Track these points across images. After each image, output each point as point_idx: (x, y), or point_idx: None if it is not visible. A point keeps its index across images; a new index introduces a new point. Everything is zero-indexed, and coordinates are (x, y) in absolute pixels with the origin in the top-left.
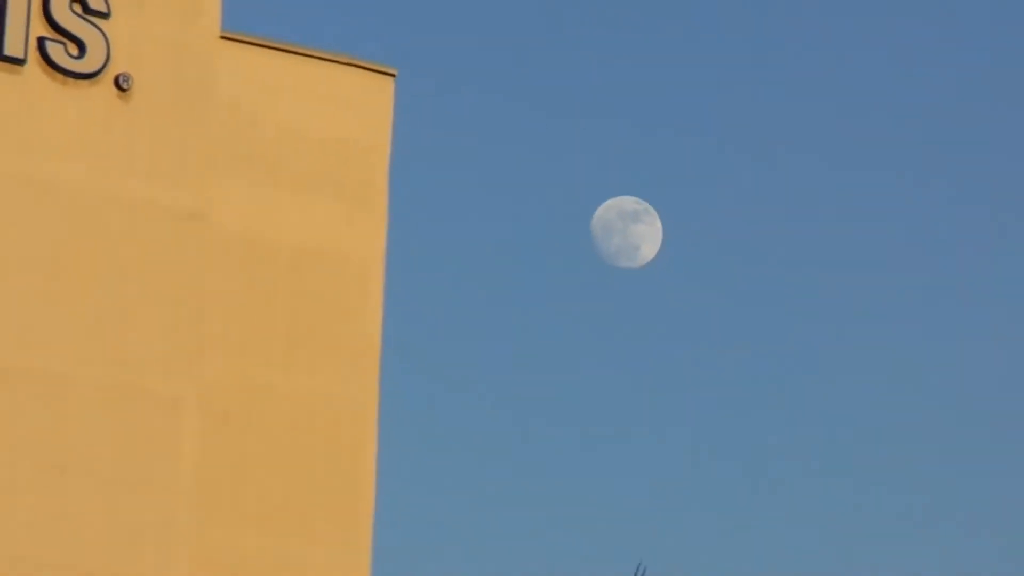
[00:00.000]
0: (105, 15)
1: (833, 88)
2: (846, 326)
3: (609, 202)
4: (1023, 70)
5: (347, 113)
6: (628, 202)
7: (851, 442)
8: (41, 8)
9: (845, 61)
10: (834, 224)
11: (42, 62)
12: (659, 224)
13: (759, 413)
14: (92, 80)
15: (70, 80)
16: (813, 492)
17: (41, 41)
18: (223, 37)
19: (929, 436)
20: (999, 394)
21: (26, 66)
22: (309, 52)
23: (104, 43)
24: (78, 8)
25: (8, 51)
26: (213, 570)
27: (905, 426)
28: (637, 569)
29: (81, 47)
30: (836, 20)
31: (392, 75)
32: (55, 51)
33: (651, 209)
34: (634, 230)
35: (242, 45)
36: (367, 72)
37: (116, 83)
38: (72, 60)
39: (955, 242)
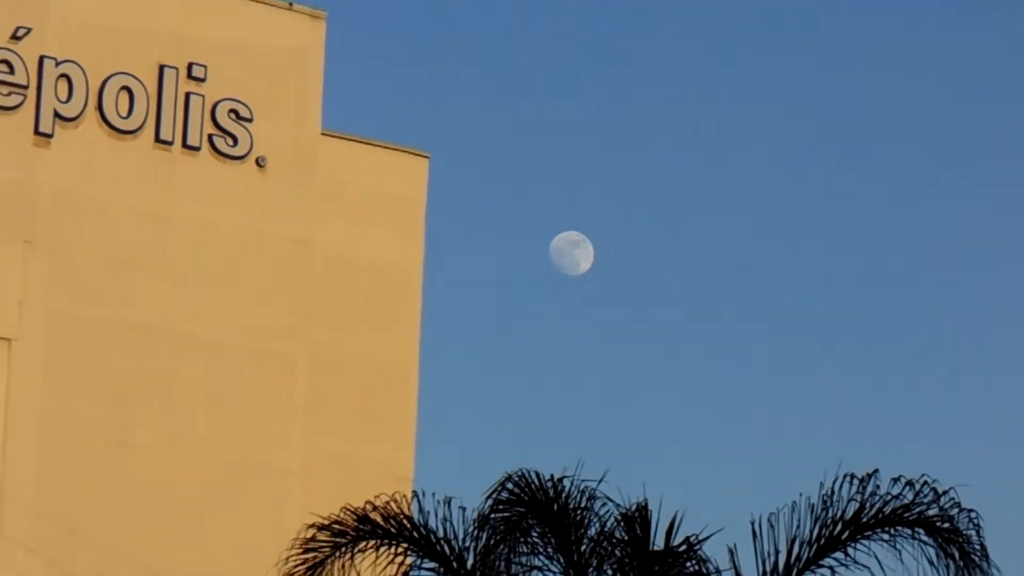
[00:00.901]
0: (249, 120)
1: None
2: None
3: (560, 235)
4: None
5: (399, 180)
6: (573, 235)
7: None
8: (211, 115)
9: (746, 100)
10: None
11: (211, 149)
12: (592, 248)
13: (668, 373)
14: (241, 160)
15: (227, 160)
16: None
17: (211, 136)
18: (323, 133)
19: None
20: None
21: (200, 151)
22: (373, 142)
23: (249, 137)
24: (233, 116)
25: (190, 142)
26: (315, 460)
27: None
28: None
29: (235, 140)
30: (754, 61)
31: (427, 156)
32: (219, 142)
33: (587, 239)
34: (576, 252)
35: (334, 139)
36: (411, 155)
37: (256, 162)
38: (229, 148)
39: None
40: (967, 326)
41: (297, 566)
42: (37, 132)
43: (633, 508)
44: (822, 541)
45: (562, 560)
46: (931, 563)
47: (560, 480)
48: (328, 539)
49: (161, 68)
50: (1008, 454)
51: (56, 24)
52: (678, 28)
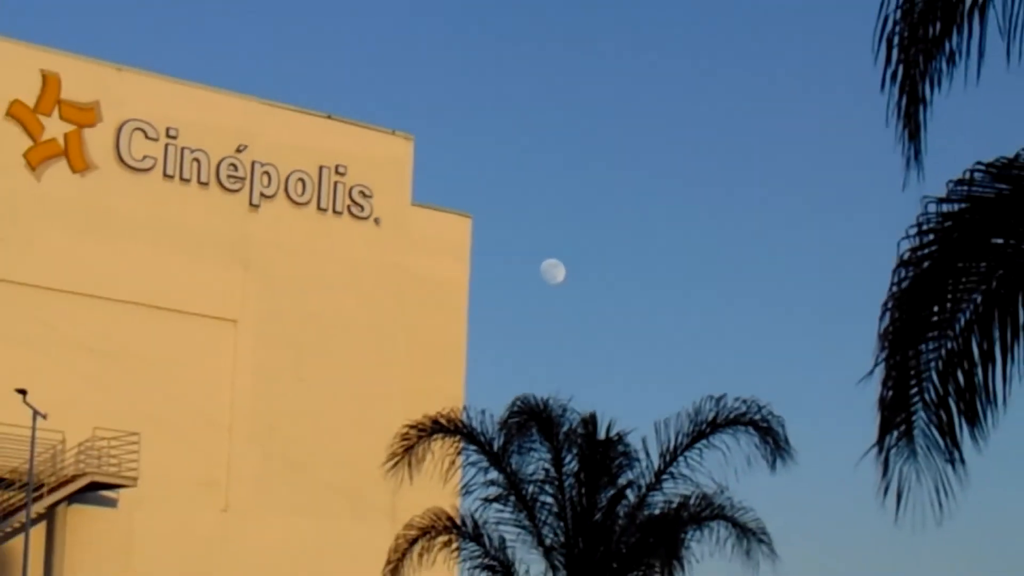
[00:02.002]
0: (371, 197)
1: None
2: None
3: (545, 261)
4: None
5: (456, 230)
6: (552, 262)
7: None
8: (348, 194)
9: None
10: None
11: (349, 213)
12: (564, 268)
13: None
14: (366, 220)
15: (359, 219)
16: None
17: (349, 206)
18: (412, 204)
19: None
20: None
21: (343, 215)
22: (441, 208)
23: (371, 207)
24: (361, 194)
25: (337, 209)
26: (408, 388)
27: None
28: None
29: (363, 208)
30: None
31: (470, 216)
32: (354, 209)
33: (560, 263)
34: (555, 271)
35: (419, 207)
36: (462, 216)
37: (375, 221)
38: (359, 212)
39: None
40: (794, 284)
41: (397, 448)
42: (251, 204)
43: (588, 416)
44: (694, 434)
45: (547, 445)
46: (756, 447)
47: (546, 400)
48: (415, 433)
49: (320, 168)
50: (805, 380)
51: (262, 144)
52: (628, 83)
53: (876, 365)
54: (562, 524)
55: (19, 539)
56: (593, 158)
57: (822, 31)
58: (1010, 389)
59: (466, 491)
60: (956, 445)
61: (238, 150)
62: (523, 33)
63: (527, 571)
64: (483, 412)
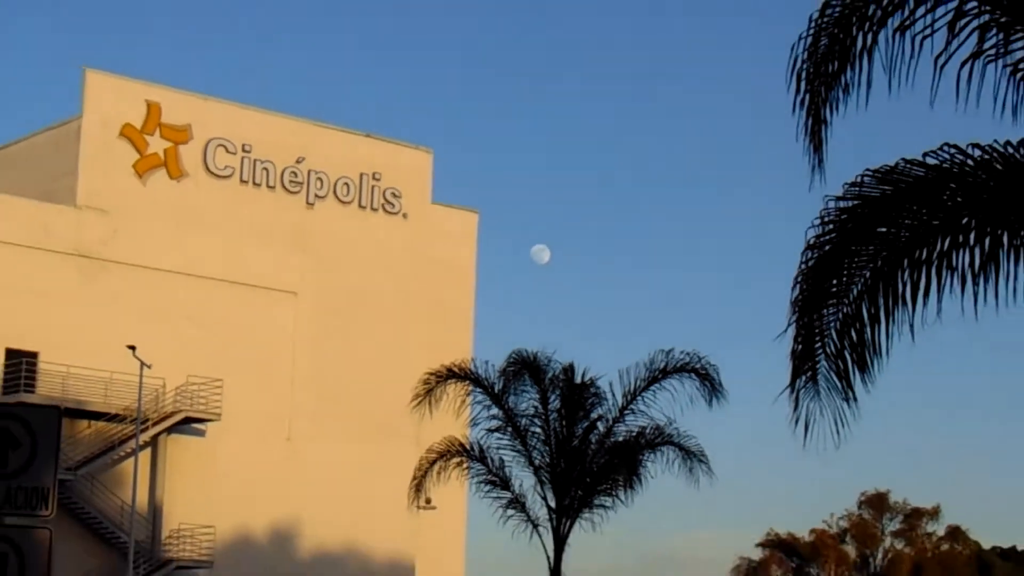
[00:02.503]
0: (400, 197)
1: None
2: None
3: (535, 246)
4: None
5: (466, 223)
6: (540, 247)
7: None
8: (383, 195)
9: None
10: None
11: (383, 210)
12: (549, 251)
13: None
14: (396, 215)
15: (391, 215)
16: None
17: (383, 204)
18: (432, 203)
19: None
20: None
21: (378, 211)
22: (455, 206)
23: (400, 205)
24: (392, 195)
25: (374, 206)
26: (428, 345)
27: None
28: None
29: (394, 205)
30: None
31: (477, 212)
32: (387, 207)
33: (547, 247)
34: (542, 254)
35: (438, 205)
36: (470, 211)
37: (403, 215)
38: (391, 209)
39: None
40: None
41: (420, 390)
42: (307, 203)
43: (568, 365)
44: (649, 379)
45: (536, 388)
46: (697, 389)
47: (536, 353)
48: (434, 378)
49: (361, 174)
50: (735, 337)
51: (316, 156)
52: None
53: (789, 325)
54: (547, 449)
55: (129, 462)
56: (574, 168)
57: (761, 69)
58: (891, 344)
59: (474, 423)
60: (850, 387)
61: (297, 161)
62: (521, 72)
63: (521, 485)
64: (487, 362)
